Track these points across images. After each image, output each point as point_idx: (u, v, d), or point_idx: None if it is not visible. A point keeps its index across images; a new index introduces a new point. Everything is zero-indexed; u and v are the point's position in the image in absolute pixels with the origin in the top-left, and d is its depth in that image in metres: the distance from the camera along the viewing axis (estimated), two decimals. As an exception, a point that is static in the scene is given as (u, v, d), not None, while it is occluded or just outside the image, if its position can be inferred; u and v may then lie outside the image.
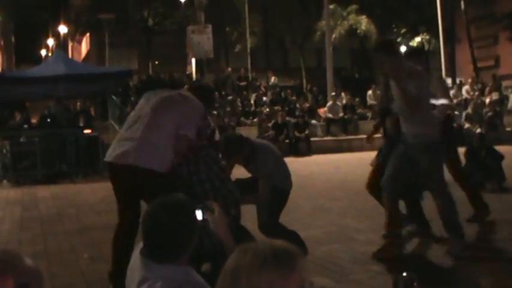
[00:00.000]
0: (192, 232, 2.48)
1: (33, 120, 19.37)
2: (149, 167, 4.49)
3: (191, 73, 28.36)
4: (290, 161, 6.83)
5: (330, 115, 20.79)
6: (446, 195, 5.64)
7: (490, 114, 19.33)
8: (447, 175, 6.16)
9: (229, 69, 28.69)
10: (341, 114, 20.98)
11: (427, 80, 5.77)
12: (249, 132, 15.76)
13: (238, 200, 3.91)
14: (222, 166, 3.89)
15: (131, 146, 4.61)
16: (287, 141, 18.84)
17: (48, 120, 17.23)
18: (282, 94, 24.02)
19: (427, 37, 31.96)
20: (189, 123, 4.58)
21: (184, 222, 2.45)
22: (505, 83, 24.70)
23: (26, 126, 17.15)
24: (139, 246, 2.56)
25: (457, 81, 25.61)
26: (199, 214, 2.62)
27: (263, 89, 25.27)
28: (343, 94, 23.21)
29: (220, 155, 4.72)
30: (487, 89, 23.30)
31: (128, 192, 4.78)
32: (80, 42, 47.23)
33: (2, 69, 41.94)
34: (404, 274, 1.43)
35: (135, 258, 2.53)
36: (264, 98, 23.11)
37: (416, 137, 5.51)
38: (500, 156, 10.06)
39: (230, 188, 3.79)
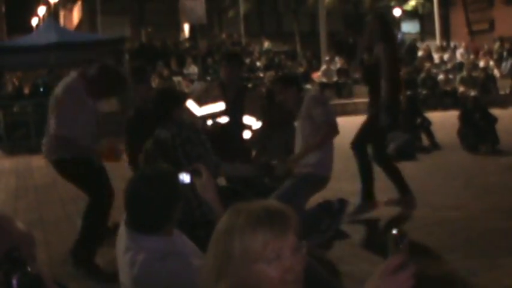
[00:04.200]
0: (173, 203, 2.43)
1: (26, 90, 19.19)
2: None
3: (184, 39, 28.10)
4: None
5: (324, 79, 20.72)
6: None
7: (482, 77, 19.27)
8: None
9: (224, 35, 28.51)
10: (335, 79, 20.92)
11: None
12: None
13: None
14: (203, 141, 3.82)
15: None
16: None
17: (41, 89, 17.09)
18: (276, 59, 23.84)
19: (421, 0, 31.63)
20: None
21: (164, 193, 2.39)
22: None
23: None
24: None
25: (451, 44, 25.43)
26: (187, 178, 2.60)
27: (257, 54, 25.09)
28: (337, 59, 23.03)
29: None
30: (481, 53, 23.21)
31: None
32: (71, 11, 46.60)
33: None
34: (394, 232, 1.38)
35: (122, 226, 2.51)
36: (258, 63, 22.95)
37: None
38: (494, 119, 10.08)
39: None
